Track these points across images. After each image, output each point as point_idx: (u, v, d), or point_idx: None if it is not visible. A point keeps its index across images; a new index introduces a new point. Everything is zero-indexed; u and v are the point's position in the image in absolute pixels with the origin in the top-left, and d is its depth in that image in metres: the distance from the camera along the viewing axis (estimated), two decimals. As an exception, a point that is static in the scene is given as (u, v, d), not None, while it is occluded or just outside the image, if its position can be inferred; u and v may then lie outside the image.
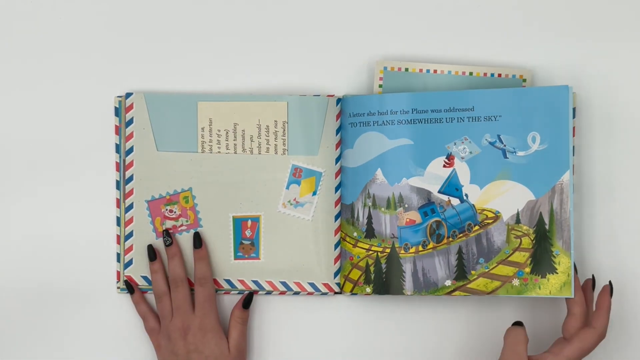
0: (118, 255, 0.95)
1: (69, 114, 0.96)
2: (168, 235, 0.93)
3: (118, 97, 0.95)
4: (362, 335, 0.96)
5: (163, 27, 0.96)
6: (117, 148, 0.95)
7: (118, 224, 0.95)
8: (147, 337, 0.95)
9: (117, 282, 0.95)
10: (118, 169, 0.95)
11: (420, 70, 0.92)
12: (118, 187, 0.95)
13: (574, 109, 0.92)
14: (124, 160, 0.94)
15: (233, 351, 0.91)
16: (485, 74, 0.91)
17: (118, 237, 0.95)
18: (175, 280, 0.92)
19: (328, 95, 0.94)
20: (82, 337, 0.96)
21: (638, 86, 0.94)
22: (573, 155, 0.92)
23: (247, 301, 0.93)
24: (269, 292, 0.95)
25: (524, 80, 0.92)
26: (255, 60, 0.96)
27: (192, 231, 0.94)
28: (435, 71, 0.92)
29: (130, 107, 0.94)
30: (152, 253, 0.94)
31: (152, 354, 0.95)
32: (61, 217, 0.96)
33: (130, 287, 0.94)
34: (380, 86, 0.93)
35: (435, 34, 0.95)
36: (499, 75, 0.92)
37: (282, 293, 0.95)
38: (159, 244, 0.94)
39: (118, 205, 0.95)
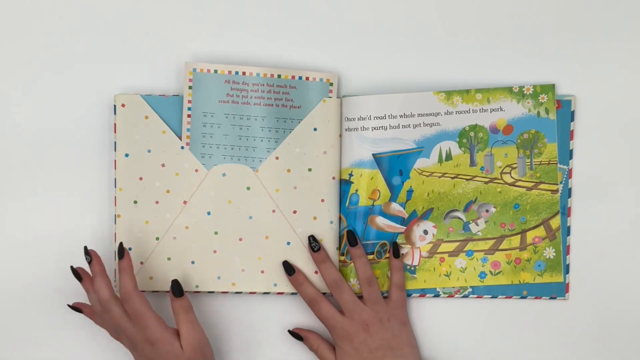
0: (115, 253, 0.95)
1: (68, 111, 0.95)
2: (87, 254, 0.90)
3: (118, 94, 0.94)
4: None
5: (160, 27, 0.95)
6: (115, 146, 0.94)
7: (115, 222, 0.95)
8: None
9: (115, 279, 0.95)
10: (116, 167, 0.94)
11: (230, 72, 0.92)
12: (116, 185, 0.94)
13: (572, 112, 0.93)
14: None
15: (187, 349, 0.87)
16: (293, 77, 0.92)
17: (115, 235, 0.95)
18: (101, 303, 0.89)
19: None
20: (80, 336, 0.96)
21: (630, 87, 0.95)
22: (571, 158, 0.93)
23: (175, 289, 0.89)
24: (266, 293, 0.95)
25: (331, 84, 0.92)
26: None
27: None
28: (244, 73, 0.92)
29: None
30: (78, 275, 0.91)
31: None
32: (58, 215, 0.95)
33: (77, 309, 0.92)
34: (190, 87, 0.92)
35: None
36: (307, 78, 0.92)
37: (280, 293, 0.95)
38: (83, 264, 0.93)
39: (116, 204, 0.95)
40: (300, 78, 0.93)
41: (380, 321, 0.90)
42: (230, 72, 0.93)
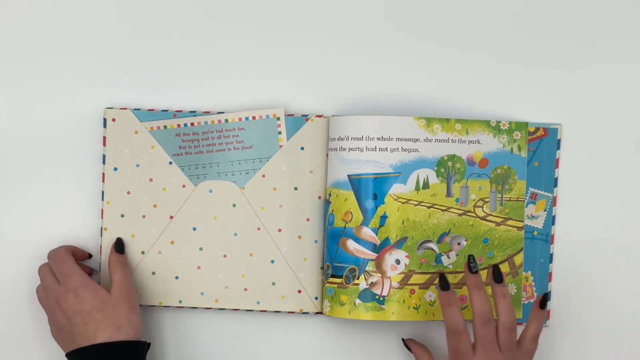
0: (100, 265, 0.95)
1: (57, 124, 0.96)
2: None
3: (108, 108, 0.95)
4: (341, 357, 0.96)
5: (155, 43, 0.96)
6: (104, 159, 0.95)
7: (102, 235, 0.95)
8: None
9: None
10: (104, 180, 0.95)
11: (179, 125, 0.94)
12: (103, 198, 0.95)
13: (558, 141, 0.94)
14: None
15: (115, 293, 0.89)
16: (240, 119, 0.94)
17: (101, 247, 0.95)
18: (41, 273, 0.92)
19: (317, 116, 0.95)
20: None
21: (619, 94, 0.96)
22: (556, 186, 0.94)
23: (118, 245, 0.93)
24: (249, 310, 0.95)
25: (278, 119, 0.93)
26: (239, 78, 0.96)
27: None
28: (192, 124, 0.93)
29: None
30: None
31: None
32: (45, 226, 0.96)
33: None
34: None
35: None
36: (254, 117, 0.93)
37: (263, 311, 0.95)
38: None
39: (103, 216, 0.95)
40: (247, 119, 0.94)
41: None
42: (179, 125, 0.94)
